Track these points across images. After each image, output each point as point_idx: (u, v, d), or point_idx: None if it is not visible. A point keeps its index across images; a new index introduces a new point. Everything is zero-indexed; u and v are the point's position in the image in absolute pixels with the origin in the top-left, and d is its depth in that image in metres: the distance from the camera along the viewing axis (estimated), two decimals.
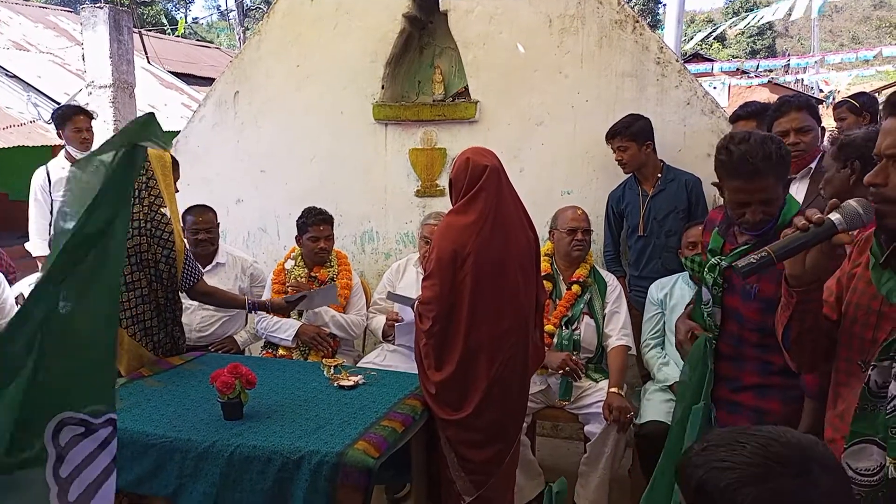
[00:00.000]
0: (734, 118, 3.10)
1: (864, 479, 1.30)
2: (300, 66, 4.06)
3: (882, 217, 1.29)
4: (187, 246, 2.84)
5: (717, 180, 1.99)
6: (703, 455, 0.90)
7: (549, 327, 3.00)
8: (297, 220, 3.43)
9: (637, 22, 3.55)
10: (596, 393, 2.95)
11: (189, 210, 3.48)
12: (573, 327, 3.01)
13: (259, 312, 3.14)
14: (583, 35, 3.60)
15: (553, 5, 3.62)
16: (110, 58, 6.11)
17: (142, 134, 1.42)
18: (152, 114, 1.50)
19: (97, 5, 6.25)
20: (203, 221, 3.45)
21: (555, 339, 3.01)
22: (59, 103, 7.63)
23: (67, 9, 13.98)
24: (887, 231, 1.32)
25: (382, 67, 3.92)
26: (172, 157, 2.90)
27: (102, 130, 4.96)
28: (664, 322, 3.00)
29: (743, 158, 1.81)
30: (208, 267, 3.51)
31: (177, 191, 2.93)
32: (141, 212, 2.69)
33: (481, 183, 2.42)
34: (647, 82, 3.53)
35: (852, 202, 1.31)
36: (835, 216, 1.29)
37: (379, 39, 3.89)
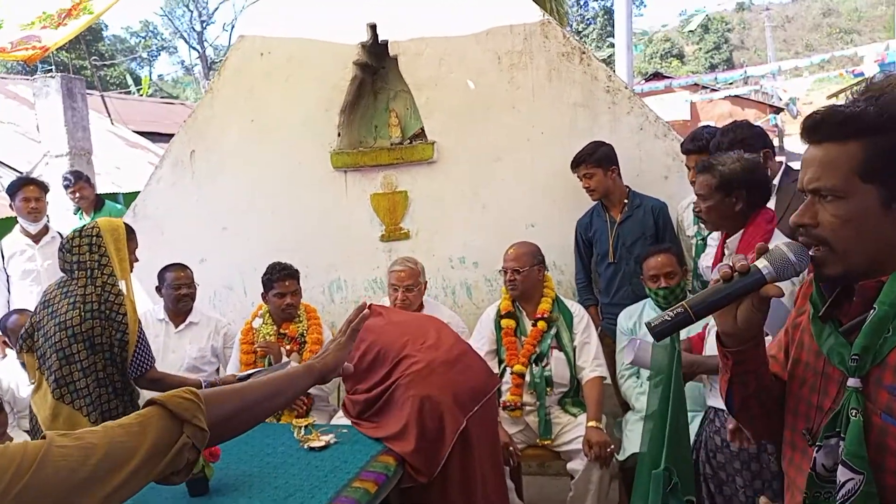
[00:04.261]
0: (685, 150, 3.09)
1: None
2: (254, 120, 4.04)
3: (820, 265, 1.06)
4: (142, 327, 2.71)
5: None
6: None
7: (518, 367, 2.95)
8: (262, 277, 3.37)
9: (584, 53, 3.59)
10: (575, 428, 2.90)
11: (167, 268, 3.48)
12: (543, 363, 2.96)
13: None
14: (532, 70, 3.62)
15: (500, 43, 3.65)
16: (65, 126, 6.07)
17: None
18: None
19: (49, 75, 6.21)
20: (184, 277, 3.46)
21: (526, 378, 2.96)
22: (22, 173, 7.55)
23: (26, 77, 13.92)
24: (826, 280, 1.10)
25: (337, 115, 3.91)
26: (127, 226, 2.76)
27: (60, 199, 4.87)
28: None
29: None
30: (181, 326, 3.46)
31: (136, 260, 2.79)
32: (94, 293, 2.57)
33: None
34: (599, 111, 3.56)
35: (782, 246, 1.06)
36: (762, 264, 1.05)
37: (332, 88, 3.89)
